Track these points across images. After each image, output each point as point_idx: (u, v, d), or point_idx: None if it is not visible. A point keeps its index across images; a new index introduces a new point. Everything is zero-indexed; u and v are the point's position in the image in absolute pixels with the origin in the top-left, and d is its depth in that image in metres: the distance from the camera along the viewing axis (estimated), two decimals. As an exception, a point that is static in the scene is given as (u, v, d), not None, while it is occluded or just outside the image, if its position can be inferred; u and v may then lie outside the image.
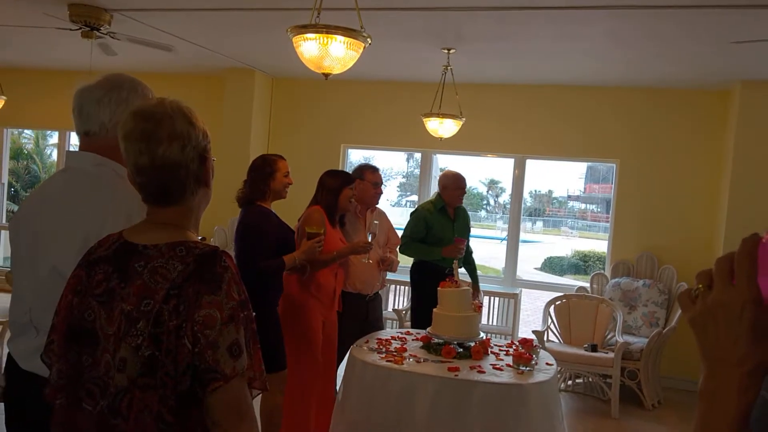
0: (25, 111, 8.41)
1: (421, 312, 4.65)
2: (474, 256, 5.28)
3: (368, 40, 3.33)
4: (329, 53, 3.28)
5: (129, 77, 1.93)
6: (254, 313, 1.45)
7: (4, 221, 8.87)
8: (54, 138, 10.56)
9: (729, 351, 0.73)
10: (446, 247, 4.72)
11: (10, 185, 10.21)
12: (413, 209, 5.24)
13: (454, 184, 4.94)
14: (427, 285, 4.39)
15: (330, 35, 3.23)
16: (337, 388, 3.99)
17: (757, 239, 0.72)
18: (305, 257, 3.66)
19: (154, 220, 1.49)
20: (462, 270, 4.95)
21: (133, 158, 1.45)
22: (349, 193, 4.03)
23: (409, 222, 4.97)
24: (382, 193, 4.51)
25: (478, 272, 5.30)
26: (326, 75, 3.41)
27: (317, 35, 3.23)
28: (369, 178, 4.39)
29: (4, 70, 7.49)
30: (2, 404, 1.92)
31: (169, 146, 1.43)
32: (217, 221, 7.04)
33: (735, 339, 0.72)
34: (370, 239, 4.07)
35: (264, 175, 3.67)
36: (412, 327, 4.72)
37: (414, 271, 5.00)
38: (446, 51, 5.56)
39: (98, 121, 1.85)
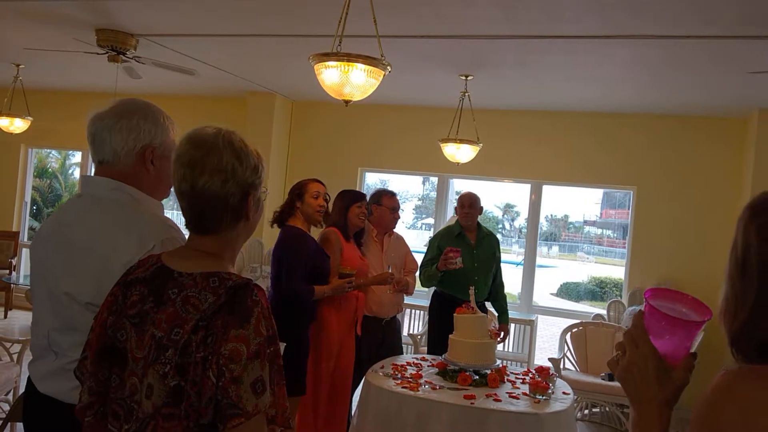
0: (49, 131, 8.56)
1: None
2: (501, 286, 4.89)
3: (388, 68, 3.37)
4: (350, 81, 3.32)
5: (140, 102, 1.91)
6: (284, 336, 1.44)
7: (26, 239, 8.99)
8: (77, 157, 10.72)
9: (645, 392, 1.05)
10: (439, 262, 4.39)
11: (33, 202, 10.37)
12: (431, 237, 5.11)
13: (458, 202, 4.74)
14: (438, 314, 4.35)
15: (351, 63, 3.27)
16: (352, 412, 3.98)
17: (641, 314, 1.06)
18: (333, 294, 3.78)
19: (193, 247, 1.50)
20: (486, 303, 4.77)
21: (177, 182, 1.47)
22: (357, 210, 4.10)
23: (426, 250, 4.81)
24: (399, 217, 4.52)
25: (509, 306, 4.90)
26: (346, 102, 3.46)
27: (339, 63, 3.28)
28: (386, 203, 4.43)
29: (31, 91, 7.64)
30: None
31: (211, 178, 1.43)
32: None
33: (647, 384, 1.04)
34: (390, 270, 4.14)
35: (293, 197, 3.82)
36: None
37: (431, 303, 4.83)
38: (464, 77, 5.61)
39: (111, 149, 1.84)
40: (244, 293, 1.37)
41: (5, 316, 8.06)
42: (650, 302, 1.06)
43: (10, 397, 4.31)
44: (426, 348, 5.92)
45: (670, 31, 4.09)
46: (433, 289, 4.82)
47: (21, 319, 7.93)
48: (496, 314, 4.97)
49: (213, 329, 1.32)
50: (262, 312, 1.36)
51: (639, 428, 1.05)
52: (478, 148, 5.92)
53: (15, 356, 4.43)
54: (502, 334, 4.86)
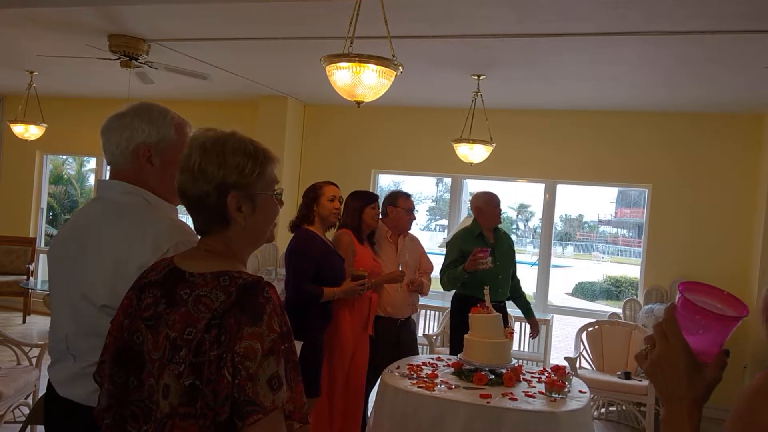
0: (64, 138, 8.64)
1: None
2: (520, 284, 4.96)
3: (400, 68, 3.37)
4: (362, 81, 3.32)
5: (142, 103, 1.91)
6: (298, 338, 1.44)
7: (43, 245, 9.07)
8: (92, 163, 10.83)
9: (675, 389, 1.01)
10: (466, 262, 4.37)
11: (50, 208, 10.46)
12: (449, 239, 5.05)
13: (490, 202, 4.67)
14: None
15: (362, 64, 3.27)
16: (368, 412, 3.99)
17: (673, 307, 1.02)
18: (345, 296, 3.79)
19: (203, 248, 1.52)
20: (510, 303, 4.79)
21: None
22: (371, 212, 4.12)
23: (445, 253, 4.75)
24: (415, 218, 4.53)
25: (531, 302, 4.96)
26: (359, 103, 3.46)
27: (350, 64, 3.28)
28: (402, 204, 4.44)
29: (45, 98, 7.71)
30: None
31: (182, 177, 1.47)
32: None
33: (677, 380, 1.00)
34: (400, 268, 4.17)
35: (308, 200, 3.85)
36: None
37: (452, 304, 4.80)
38: (476, 77, 5.60)
39: (109, 150, 1.87)
40: (255, 291, 1.37)
41: (24, 321, 8.14)
42: (685, 295, 1.01)
43: (30, 400, 4.35)
44: (442, 349, 5.92)
45: (682, 27, 4.06)
46: (453, 292, 4.79)
47: (39, 324, 8.00)
48: (521, 313, 4.96)
49: (226, 328, 1.33)
50: (274, 309, 1.36)
51: (669, 426, 1.02)
52: (491, 148, 5.90)
53: (34, 360, 4.48)
54: (534, 330, 4.97)
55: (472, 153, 5.89)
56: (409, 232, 4.61)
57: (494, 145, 5.88)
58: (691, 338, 0.99)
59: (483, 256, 4.33)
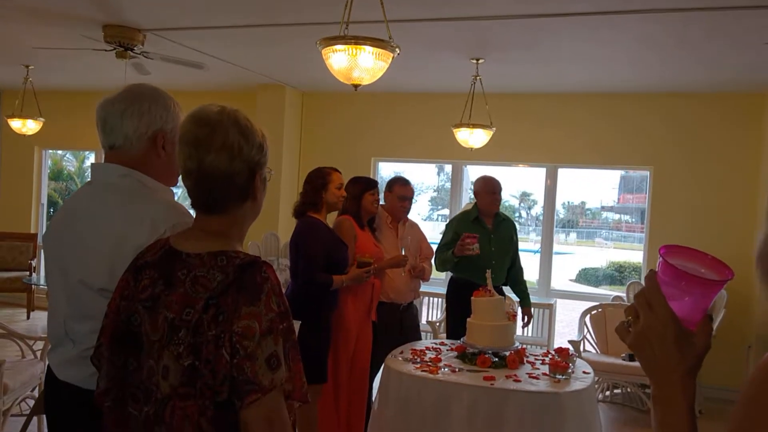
0: (62, 132, 8.63)
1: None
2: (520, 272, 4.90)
3: (397, 50, 3.35)
4: (358, 64, 3.31)
5: (150, 87, 1.91)
6: (304, 324, 1.44)
7: (43, 240, 9.07)
8: (92, 159, 10.82)
9: (665, 362, 0.91)
10: (455, 248, 4.40)
11: (51, 204, 10.45)
12: (447, 221, 5.06)
13: (484, 188, 4.66)
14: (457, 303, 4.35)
15: (359, 46, 3.26)
16: (373, 398, 3.99)
17: (655, 273, 0.94)
18: (351, 283, 3.79)
19: (200, 227, 1.50)
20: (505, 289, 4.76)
21: (182, 161, 1.47)
22: (370, 197, 4.10)
23: (442, 234, 4.81)
24: (408, 207, 4.46)
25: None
26: (356, 86, 3.44)
27: (346, 46, 3.27)
28: (396, 191, 4.42)
29: (42, 92, 7.68)
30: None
31: (217, 156, 1.43)
32: (250, 236, 7.11)
33: (666, 352, 0.91)
34: (403, 253, 4.16)
35: (316, 187, 3.80)
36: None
37: (447, 290, 4.83)
38: (475, 61, 5.57)
39: (122, 134, 1.85)
40: (253, 270, 1.36)
41: (28, 317, 8.15)
42: (667, 260, 0.93)
43: (36, 393, 4.36)
44: (445, 335, 5.91)
45: (681, 4, 4.02)
46: (449, 276, 4.80)
47: (43, 319, 7.86)
48: (517, 299, 4.93)
49: (223, 307, 1.32)
50: (272, 288, 1.36)
51: (661, 402, 0.92)
52: (492, 132, 5.87)
53: (38, 353, 4.48)
54: (526, 318, 4.85)
55: (473, 138, 5.87)
56: (410, 218, 4.59)
57: (494, 129, 5.85)
58: (673, 304, 0.92)
59: (470, 242, 4.36)
